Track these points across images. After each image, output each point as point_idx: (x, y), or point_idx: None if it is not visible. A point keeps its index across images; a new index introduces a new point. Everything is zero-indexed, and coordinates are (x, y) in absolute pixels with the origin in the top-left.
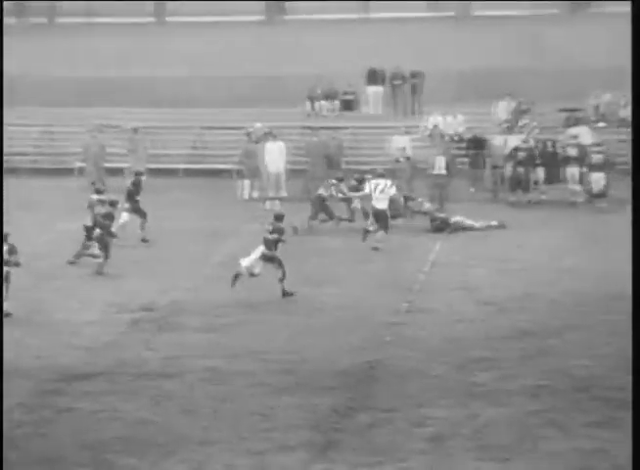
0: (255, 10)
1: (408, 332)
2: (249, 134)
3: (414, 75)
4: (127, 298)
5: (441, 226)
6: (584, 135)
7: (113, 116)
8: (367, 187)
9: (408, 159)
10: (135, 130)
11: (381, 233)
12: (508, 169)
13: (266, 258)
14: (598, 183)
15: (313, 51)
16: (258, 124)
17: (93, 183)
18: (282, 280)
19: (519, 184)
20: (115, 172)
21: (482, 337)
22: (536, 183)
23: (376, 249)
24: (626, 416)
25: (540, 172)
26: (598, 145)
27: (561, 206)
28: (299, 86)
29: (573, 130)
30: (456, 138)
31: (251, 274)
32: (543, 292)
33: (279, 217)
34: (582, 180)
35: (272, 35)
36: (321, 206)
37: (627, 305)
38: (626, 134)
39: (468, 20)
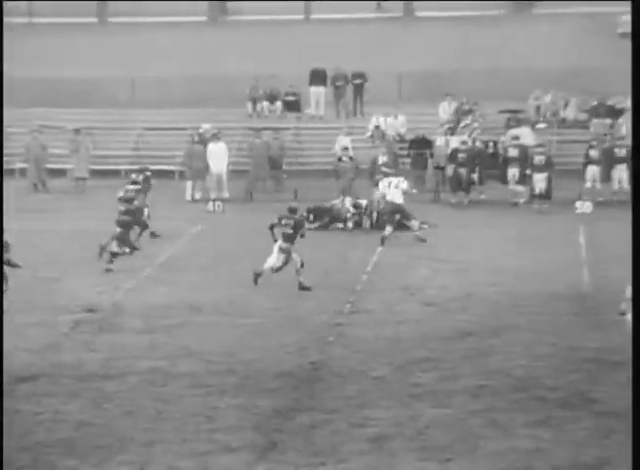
0: (198, 10)
1: (351, 333)
2: (200, 135)
3: (357, 76)
4: (69, 299)
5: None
6: (525, 136)
7: (54, 117)
8: (381, 185)
9: (351, 159)
10: (77, 131)
11: (414, 222)
12: (449, 170)
13: (283, 251)
14: (540, 184)
15: (255, 51)
16: (207, 125)
17: (35, 184)
18: (299, 272)
19: (459, 185)
20: (58, 174)
21: (424, 337)
22: (473, 184)
23: (423, 240)
24: (565, 416)
25: (476, 173)
26: (540, 146)
27: (503, 206)
28: (241, 87)
29: (515, 131)
30: (397, 139)
31: (275, 270)
32: (484, 292)
33: (293, 210)
34: (524, 181)
35: (214, 36)
36: None
37: (567, 305)
38: (567, 134)
39: (411, 20)
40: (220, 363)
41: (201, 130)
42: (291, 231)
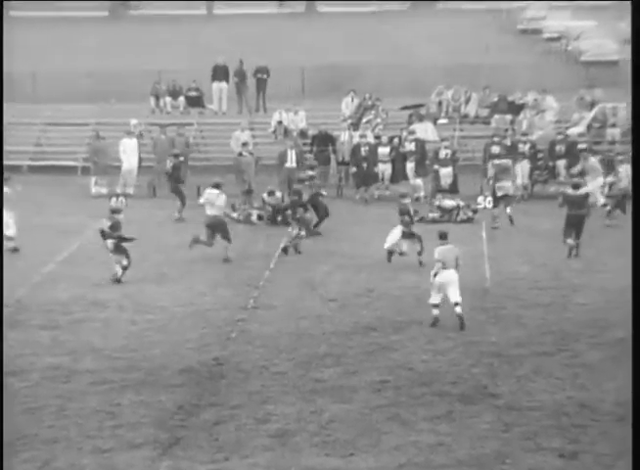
0: (99, 5)
1: (253, 328)
2: (134, 128)
3: (259, 71)
4: None
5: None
6: (427, 131)
7: None
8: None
9: (251, 154)
10: None
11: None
12: (352, 166)
13: (407, 236)
14: (446, 178)
15: (157, 47)
16: (134, 121)
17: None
18: (420, 253)
19: (363, 181)
20: None
21: (326, 333)
22: (382, 180)
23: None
24: (466, 410)
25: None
26: (444, 140)
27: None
28: (144, 83)
29: (414, 126)
30: (294, 134)
31: (401, 253)
32: (385, 288)
33: (404, 195)
34: (424, 174)
35: (116, 31)
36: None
37: (468, 300)
38: (469, 130)
39: (314, 16)
40: (123, 359)
41: (132, 126)
42: (406, 218)
